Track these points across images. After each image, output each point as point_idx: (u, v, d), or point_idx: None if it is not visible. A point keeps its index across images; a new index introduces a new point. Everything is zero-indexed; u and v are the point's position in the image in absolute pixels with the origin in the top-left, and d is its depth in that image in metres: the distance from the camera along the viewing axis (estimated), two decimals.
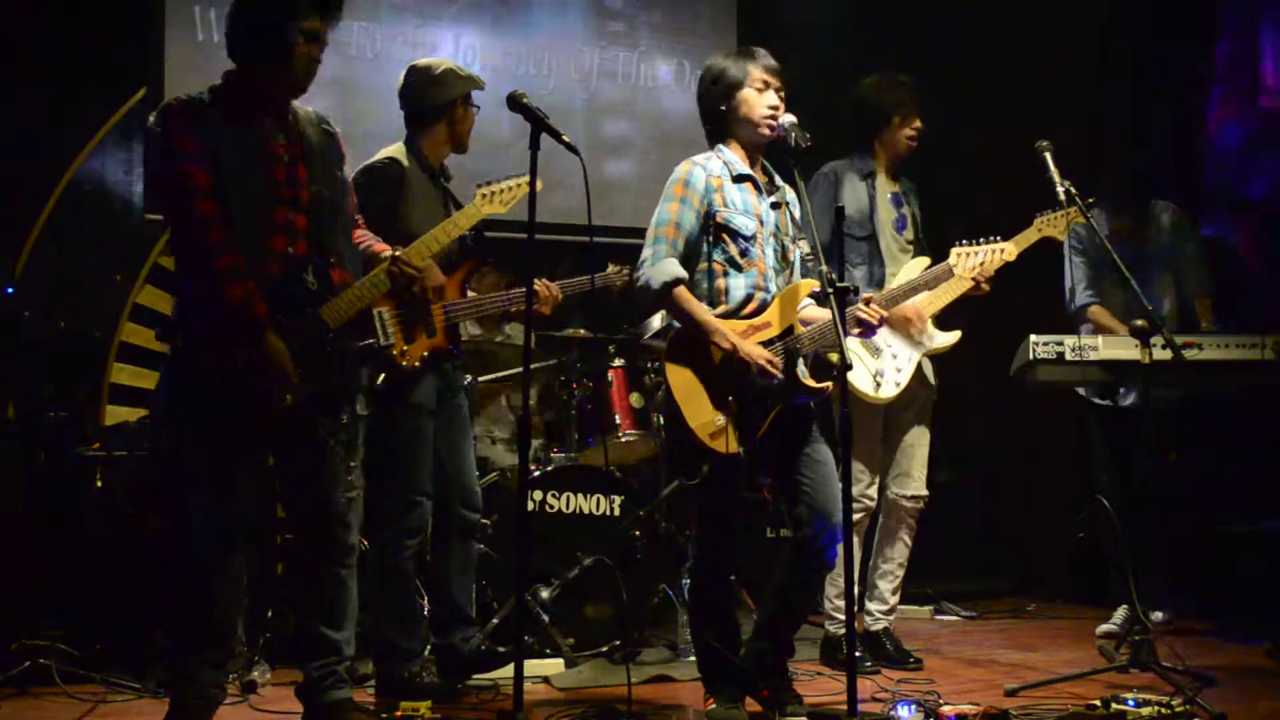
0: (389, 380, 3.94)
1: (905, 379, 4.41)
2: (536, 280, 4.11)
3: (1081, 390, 4.98)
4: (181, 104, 3.22)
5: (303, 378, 3.22)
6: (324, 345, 3.29)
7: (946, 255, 4.23)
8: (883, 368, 4.38)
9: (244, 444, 3.25)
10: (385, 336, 3.90)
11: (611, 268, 4.52)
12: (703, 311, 3.53)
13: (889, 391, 4.39)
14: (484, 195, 3.88)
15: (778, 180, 3.74)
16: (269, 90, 3.28)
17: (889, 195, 4.63)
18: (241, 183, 3.19)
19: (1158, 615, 4.84)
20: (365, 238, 3.67)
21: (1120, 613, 4.87)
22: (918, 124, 4.62)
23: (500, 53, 6.50)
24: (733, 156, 3.66)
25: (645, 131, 6.76)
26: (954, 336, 4.45)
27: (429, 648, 4.21)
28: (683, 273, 3.53)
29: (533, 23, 6.60)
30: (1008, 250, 4.19)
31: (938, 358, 4.56)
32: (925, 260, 4.45)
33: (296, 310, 3.25)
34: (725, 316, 3.56)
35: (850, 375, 3.68)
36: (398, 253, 3.57)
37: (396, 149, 4.10)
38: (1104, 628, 4.88)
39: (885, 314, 3.72)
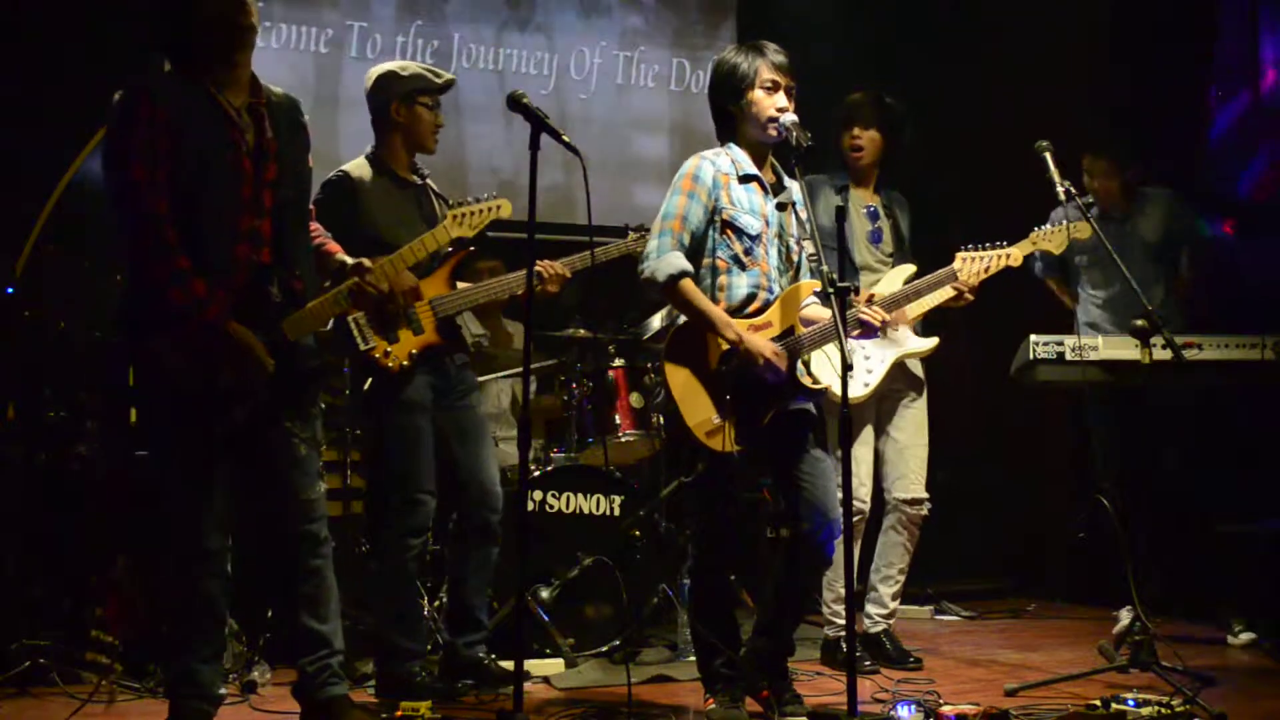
0: (376, 382, 3.94)
1: (875, 379, 4.40)
2: (539, 261, 4.10)
3: None
4: (146, 92, 3.12)
5: (262, 385, 3.20)
6: (281, 355, 3.23)
7: (947, 260, 4.23)
8: (850, 365, 4.36)
9: (210, 441, 3.22)
10: (364, 341, 3.89)
11: (624, 238, 4.45)
12: (707, 303, 3.52)
13: (855, 392, 4.37)
14: (455, 218, 3.91)
15: (785, 181, 3.73)
16: (217, 58, 3.18)
17: (864, 209, 4.63)
18: (210, 182, 3.13)
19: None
20: (318, 233, 3.62)
21: (1125, 613, 4.85)
22: (856, 133, 4.59)
23: (500, 52, 6.50)
24: (741, 155, 3.66)
25: (645, 132, 6.76)
26: (931, 342, 4.45)
27: (433, 645, 4.21)
28: (688, 266, 3.53)
29: (533, 23, 6.60)
30: (1013, 255, 4.18)
31: (936, 358, 4.55)
32: (912, 267, 4.45)
33: (257, 321, 3.20)
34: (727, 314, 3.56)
35: (822, 375, 3.69)
36: (365, 266, 3.49)
37: (357, 160, 4.10)
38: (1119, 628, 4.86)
39: (887, 316, 3.73)
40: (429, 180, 4.21)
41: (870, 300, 3.72)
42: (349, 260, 3.53)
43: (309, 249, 3.45)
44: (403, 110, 4.07)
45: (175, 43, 3.22)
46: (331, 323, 3.76)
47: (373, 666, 4.26)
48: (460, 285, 4.11)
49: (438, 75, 4.13)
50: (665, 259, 3.52)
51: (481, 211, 3.95)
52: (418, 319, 3.96)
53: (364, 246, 3.78)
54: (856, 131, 4.60)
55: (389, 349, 3.90)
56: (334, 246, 3.63)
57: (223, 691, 3.35)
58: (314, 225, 3.57)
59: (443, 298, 4.02)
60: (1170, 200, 5.07)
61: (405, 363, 3.92)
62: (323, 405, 3.48)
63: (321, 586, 3.38)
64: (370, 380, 3.93)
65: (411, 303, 3.91)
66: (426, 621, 4.24)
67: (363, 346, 3.89)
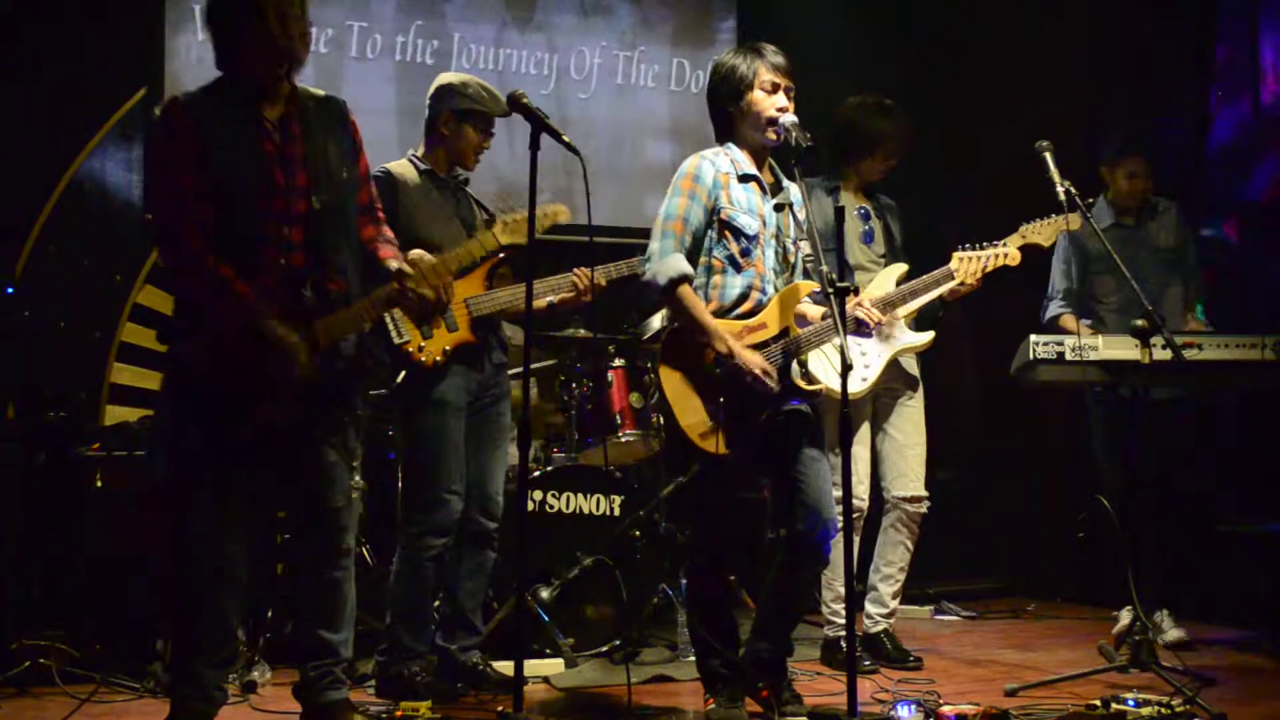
0: (410, 377, 3.97)
1: (873, 375, 4.39)
2: (578, 270, 4.15)
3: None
4: (178, 104, 3.19)
5: (294, 391, 3.19)
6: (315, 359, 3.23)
7: (944, 259, 4.23)
8: (850, 365, 4.36)
9: (243, 448, 3.21)
10: (399, 335, 3.93)
11: (625, 237, 4.51)
12: (703, 313, 3.53)
13: (853, 387, 4.35)
14: (505, 225, 3.93)
15: (783, 182, 3.73)
16: (257, 77, 3.22)
17: (856, 210, 4.64)
18: (238, 189, 3.15)
19: (1175, 633, 4.82)
20: (378, 239, 3.55)
21: (1125, 613, 4.85)
22: (890, 164, 4.64)
23: (500, 52, 6.50)
24: (740, 155, 3.66)
25: (645, 132, 6.76)
26: (927, 337, 4.44)
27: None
28: (689, 269, 3.53)
29: (533, 23, 6.60)
30: (1011, 255, 4.18)
31: (935, 357, 4.54)
32: (903, 266, 4.46)
33: (288, 323, 3.19)
34: (719, 314, 3.56)
35: (820, 374, 3.70)
36: (405, 273, 3.43)
37: (401, 160, 4.16)
38: (1118, 629, 4.86)
39: (882, 316, 3.74)
40: (468, 185, 4.26)
41: (861, 305, 3.71)
42: (394, 266, 3.48)
43: (356, 252, 3.41)
44: (451, 124, 4.13)
45: (227, 57, 3.23)
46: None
47: (373, 666, 4.26)
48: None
49: (496, 101, 4.13)
50: (667, 262, 3.52)
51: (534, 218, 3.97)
52: (453, 317, 4.01)
53: (401, 242, 3.81)
54: (891, 164, 4.64)
55: (423, 344, 3.95)
56: (386, 252, 3.53)
57: (225, 693, 3.34)
58: (384, 229, 3.54)
59: (478, 298, 4.06)
60: (1179, 210, 5.10)
61: (439, 359, 3.96)
62: (360, 414, 3.44)
63: (338, 598, 3.37)
64: (404, 374, 3.97)
65: (451, 297, 3.94)
66: (434, 623, 4.23)
67: (397, 340, 3.94)
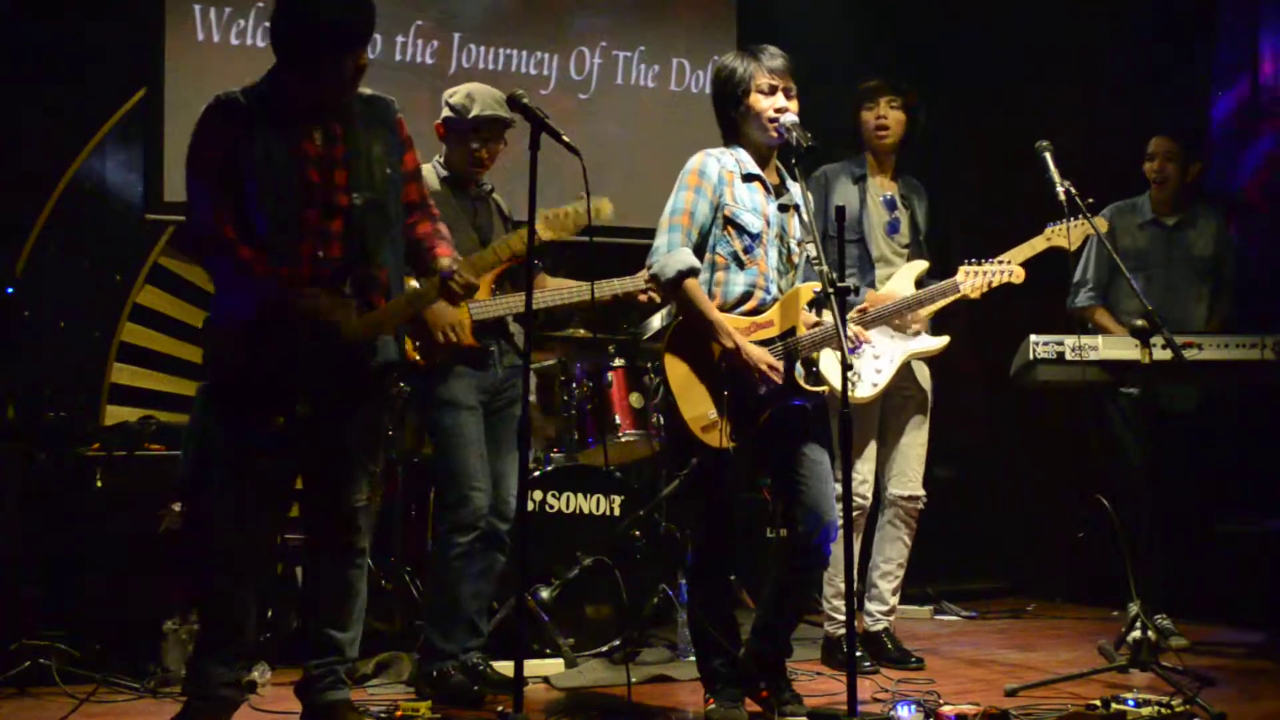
0: (416, 381, 4.02)
1: (885, 380, 4.38)
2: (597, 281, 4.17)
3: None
4: (217, 104, 3.20)
5: (321, 383, 3.20)
6: (340, 354, 3.23)
7: (950, 263, 4.23)
8: (860, 367, 4.35)
9: (267, 440, 3.21)
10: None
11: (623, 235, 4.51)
12: (709, 307, 3.53)
13: (865, 391, 4.35)
14: (544, 218, 3.92)
15: (788, 183, 3.74)
16: (306, 96, 3.23)
17: (882, 198, 4.60)
18: (271, 186, 3.16)
19: (1177, 640, 4.79)
20: (432, 235, 3.51)
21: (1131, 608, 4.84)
22: (883, 111, 4.55)
23: (500, 52, 6.51)
24: (745, 156, 3.67)
25: (644, 132, 6.76)
26: (942, 341, 4.43)
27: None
28: (696, 263, 3.54)
29: (532, 23, 6.60)
30: (1016, 273, 4.17)
31: (937, 357, 4.54)
32: (924, 264, 4.44)
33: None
34: (721, 311, 3.57)
35: (831, 375, 3.70)
36: (454, 269, 3.39)
37: (426, 165, 4.12)
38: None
39: (867, 339, 3.78)
40: (494, 194, 4.27)
41: (865, 310, 3.72)
42: (445, 264, 3.43)
43: (399, 249, 3.40)
44: (449, 137, 4.17)
45: (290, 79, 3.23)
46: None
47: (373, 667, 4.27)
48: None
49: (479, 103, 4.09)
50: (675, 255, 3.53)
51: (570, 214, 3.98)
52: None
53: None
54: (883, 111, 4.56)
55: (418, 344, 3.93)
56: (443, 250, 3.49)
57: (238, 691, 3.34)
58: (439, 227, 3.53)
59: (480, 304, 4.04)
60: (1221, 221, 5.05)
61: (434, 360, 3.95)
62: (387, 420, 3.44)
63: (349, 597, 3.37)
64: (407, 380, 4.00)
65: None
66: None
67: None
